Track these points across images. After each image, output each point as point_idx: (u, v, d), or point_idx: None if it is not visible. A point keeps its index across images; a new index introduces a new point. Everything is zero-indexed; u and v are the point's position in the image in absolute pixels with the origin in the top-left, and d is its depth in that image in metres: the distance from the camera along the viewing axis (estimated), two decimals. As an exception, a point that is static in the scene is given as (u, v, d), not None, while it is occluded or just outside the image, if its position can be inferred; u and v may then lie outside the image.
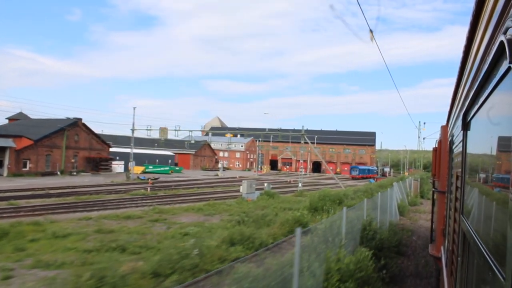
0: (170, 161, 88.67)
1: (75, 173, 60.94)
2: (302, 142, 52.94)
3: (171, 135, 62.28)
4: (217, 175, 75.56)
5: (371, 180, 70.08)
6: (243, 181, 34.82)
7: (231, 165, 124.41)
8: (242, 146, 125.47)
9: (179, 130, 60.68)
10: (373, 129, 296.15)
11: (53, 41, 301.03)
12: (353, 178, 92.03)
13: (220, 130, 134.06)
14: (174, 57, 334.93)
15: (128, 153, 74.64)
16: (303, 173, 50.49)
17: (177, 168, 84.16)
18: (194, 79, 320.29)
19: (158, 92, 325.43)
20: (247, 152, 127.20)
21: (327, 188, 35.71)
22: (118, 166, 71.55)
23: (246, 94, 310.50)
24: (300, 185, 48.06)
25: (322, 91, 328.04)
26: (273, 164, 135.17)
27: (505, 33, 1.37)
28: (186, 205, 28.71)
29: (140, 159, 76.00)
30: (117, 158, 73.40)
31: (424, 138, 51.71)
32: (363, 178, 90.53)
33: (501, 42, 1.41)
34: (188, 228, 17.72)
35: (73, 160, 63.39)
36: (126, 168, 67.30)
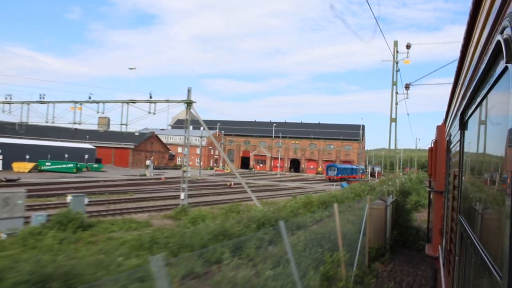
0: (87, 156, 72.33)
1: None
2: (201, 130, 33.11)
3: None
4: (145, 174, 62.45)
5: (344, 184, 52.12)
6: None
7: (190, 163, 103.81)
8: (203, 140, 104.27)
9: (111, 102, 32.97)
10: (372, 128, 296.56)
11: (52, 40, 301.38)
12: (330, 180, 72.60)
13: (179, 124, 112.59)
14: (173, 56, 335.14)
15: (20, 145, 59.86)
16: (188, 174, 28.53)
17: (95, 165, 69.00)
18: (193, 78, 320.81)
19: (157, 90, 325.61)
20: (210, 147, 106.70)
21: (236, 203, 26.24)
22: (-8, 161, 54.10)
23: (245, 93, 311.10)
24: (182, 196, 27.11)
25: (321, 90, 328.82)
26: (245, 162, 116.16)
27: (502, 32, 1.37)
28: None
29: (40, 153, 62.44)
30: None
31: (407, 93, 22.42)
32: (342, 179, 70.13)
33: (498, 41, 1.41)
34: None
35: None
36: (7, 164, 55.03)
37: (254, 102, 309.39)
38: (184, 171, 28.58)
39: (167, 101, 30.30)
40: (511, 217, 1.16)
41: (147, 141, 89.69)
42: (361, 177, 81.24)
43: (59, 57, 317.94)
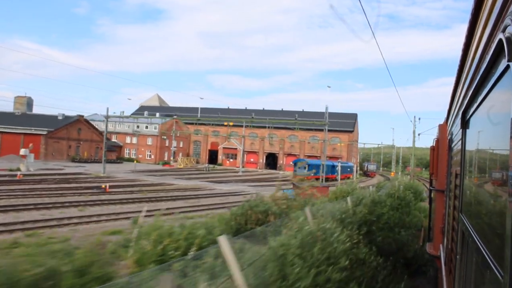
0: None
1: None
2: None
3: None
4: (19, 169, 46.41)
5: (287, 190, 20.07)
6: None
7: (140, 156, 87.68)
8: (155, 129, 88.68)
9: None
10: (374, 127, 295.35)
11: (59, 33, 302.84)
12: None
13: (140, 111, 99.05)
14: (180, 51, 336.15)
15: None
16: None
17: None
18: (199, 74, 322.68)
19: (162, 86, 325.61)
20: (164, 137, 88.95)
21: None
22: None
23: (250, 89, 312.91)
24: None
25: (327, 88, 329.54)
26: (214, 156, 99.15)
27: (503, 31, 1.37)
28: None
29: None
30: None
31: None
32: (318, 180, 45.02)
33: (500, 40, 1.41)
34: None
35: None
36: None
37: (258, 98, 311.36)
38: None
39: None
40: None
41: (71, 127, 69.18)
42: (322, 178, 48.55)
43: (66, 51, 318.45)
